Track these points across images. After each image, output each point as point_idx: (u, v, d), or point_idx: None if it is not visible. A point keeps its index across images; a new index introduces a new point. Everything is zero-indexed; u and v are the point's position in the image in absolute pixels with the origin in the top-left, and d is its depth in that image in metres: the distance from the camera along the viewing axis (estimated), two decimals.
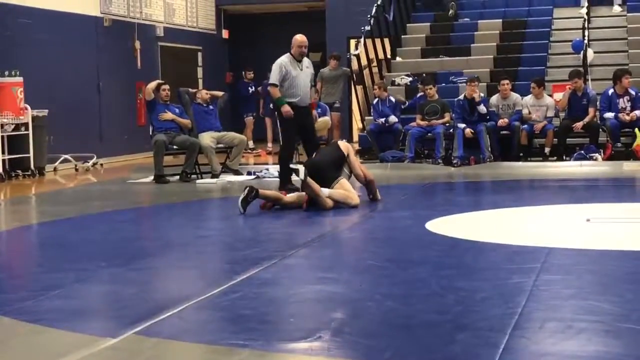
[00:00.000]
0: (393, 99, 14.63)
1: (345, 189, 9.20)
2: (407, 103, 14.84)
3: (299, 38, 10.74)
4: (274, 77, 10.69)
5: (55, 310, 5.07)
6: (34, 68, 14.66)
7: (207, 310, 5.05)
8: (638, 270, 5.82)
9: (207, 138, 12.71)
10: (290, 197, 9.29)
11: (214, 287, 5.48)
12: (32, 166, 13.89)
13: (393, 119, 14.19)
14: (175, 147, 12.72)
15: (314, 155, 10.13)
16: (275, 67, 10.71)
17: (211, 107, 13.20)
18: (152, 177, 12.50)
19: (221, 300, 5.23)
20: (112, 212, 9.72)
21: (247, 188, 9.01)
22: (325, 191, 9.05)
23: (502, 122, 13.57)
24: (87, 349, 4.27)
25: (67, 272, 6.15)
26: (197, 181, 12.47)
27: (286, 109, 10.56)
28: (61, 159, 14.89)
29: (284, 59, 10.73)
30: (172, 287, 5.91)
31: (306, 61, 10.88)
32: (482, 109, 13.60)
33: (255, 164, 14.96)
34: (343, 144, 9.77)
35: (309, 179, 8.95)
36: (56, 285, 5.66)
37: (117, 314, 5.03)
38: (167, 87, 13.02)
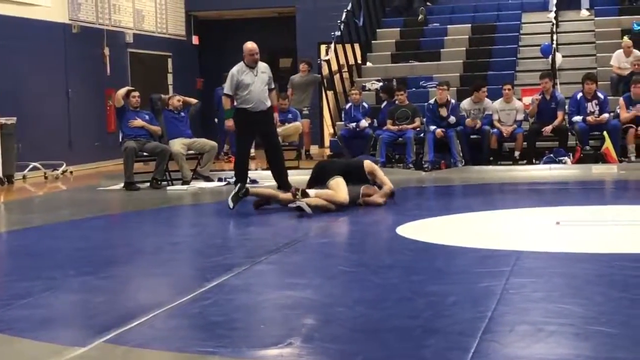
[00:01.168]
0: (366, 105, 14.65)
1: (334, 188, 9.26)
2: None
3: (249, 45, 10.87)
4: (226, 87, 10.91)
5: (22, 319, 5.01)
6: (2, 75, 14.56)
7: (176, 318, 5.02)
8: (607, 272, 5.84)
9: (177, 144, 12.65)
10: (287, 195, 9.37)
11: (184, 294, 5.45)
12: (0, 174, 13.76)
13: (364, 123, 14.21)
14: (145, 154, 12.65)
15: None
16: (228, 77, 10.86)
17: (182, 114, 13.13)
18: (122, 185, 12.42)
19: (191, 307, 5.20)
20: (81, 219, 9.65)
21: (239, 185, 9.38)
22: (311, 192, 9.17)
23: (469, 121, 13.60)
24: (56, 358, 4.23)
25: (35, 280, 6.09)
26: (168, 188, 12.42)
27: (230, 122, 10.89)
28: (30, 166, 14.77)
29: (236, 68, 10.85)
30: (142, 294, 5.87)
31: (262, 66, 10.96)
32: (452, 119, 13.62)
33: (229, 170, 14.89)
34: (367, 162, 9.97)
35: (252, 189, 9.50)
36: (24, 295, 5.60)
37: (86, 323, 4.99)
38: (136, 93, 12.95)
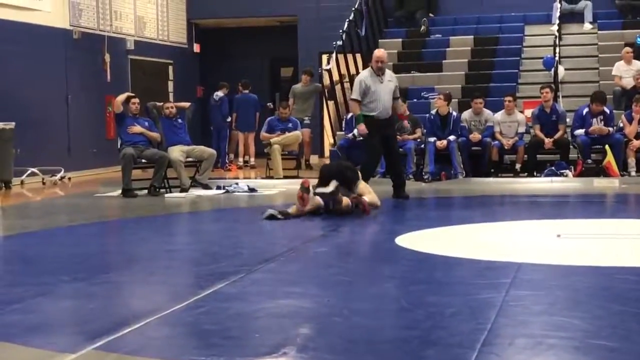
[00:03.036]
0: None
1: (369, 190, 9.51)
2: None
3: (377, 53, 11.21)
4: (355, 92, 11.00)
5: (13, 324, 4.93)
6: (1, 80, 14.51)
7: (170, 326, 4.93)
8: (608, 286, 5.76)
9: (176, 152, 12.57)
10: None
11: (178, 301, 5.36)
12: None
13: (362, 127, 14.08)
14: (143, 160, 12.57)
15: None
16: (356, 82, 11.07)
17: (180, 120, 13.06)
18: (120, 191, 12.34)
19: (185, 315, 5.11)
20: (78, 225, 9.58)
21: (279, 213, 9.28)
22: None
23: (473, 136, 13.54)
24: None
25: (28, 286, 6.01)
26: (166, 195, 12.33)
27: (362, 127, 10.94)
28: (28, 172, 14.70)
29: (365, 73, 11.14)
30: (136, 301, 5.79)
31: (388, 74, 11.24)
32: (452, 137, 13.55)
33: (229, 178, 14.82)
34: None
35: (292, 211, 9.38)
36: (16, 300, 5.52)
37: (77, 329, 4.90)
38: (136, 100, 12.88)
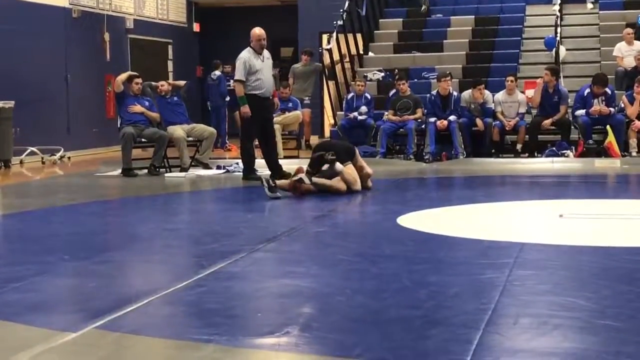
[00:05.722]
0: (369, 95, 14.52)
1: (352, 172, 9.55)
2: None
3: (257, 31, 10.98)
4: (239, 73, 10.84)
5: (14, 303, 4.90)
6: (0, 59, 14.41)
7: (171, 305, 4.90)
8: (612, 266, 5.72)
9: (179, 130, 12.50)
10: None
11: (180, 280, 5.33)
12: None
13: (364, 109, 14.07)
14: (143, 140, 12.52)
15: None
16: (239, 63, 10.83)
17: (175, 98, 12.96)
18: (120, 171, 12.29)
19: (186, 294, 5.07)
20: (78, 204, 9.53)
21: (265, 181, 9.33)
22: (339, 166, 9.39)
23: (480, 125, 13.43)
24: (46, 343, 4.12)
25: (28, 265, 5.97)
26: (166, 175, 12.28)
27: (246, 109, 10.74)
28: (28, 151, 14.65)
29: (246, 53, 10.90)
30: (137, 280, 5.75)
31: (266, 53, 11.11)
32: (453, 118, 13.47)
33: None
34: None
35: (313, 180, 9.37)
36: (16, 279, 5.47)
37: (78, 308, 4.87)
38: (139, 80, 12.79)
